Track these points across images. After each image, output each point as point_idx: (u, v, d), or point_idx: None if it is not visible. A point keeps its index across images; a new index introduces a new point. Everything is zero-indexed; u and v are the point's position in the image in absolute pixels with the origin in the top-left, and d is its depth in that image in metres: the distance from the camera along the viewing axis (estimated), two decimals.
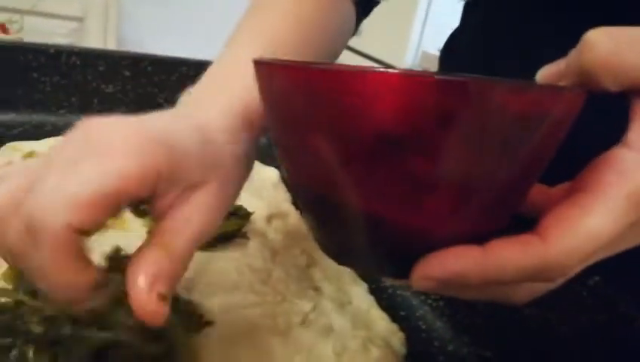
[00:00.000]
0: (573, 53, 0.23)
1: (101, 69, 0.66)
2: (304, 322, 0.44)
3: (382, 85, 0.20)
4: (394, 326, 0.45)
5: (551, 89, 0.21)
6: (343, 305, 0.47)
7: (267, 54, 0.36)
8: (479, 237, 0.22)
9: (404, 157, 0.21)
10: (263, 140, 0.77)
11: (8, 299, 0.36)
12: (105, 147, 0.24)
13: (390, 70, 0.20)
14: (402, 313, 0.48)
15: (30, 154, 0.55)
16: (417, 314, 0.48)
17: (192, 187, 0.27)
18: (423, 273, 0.22)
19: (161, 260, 0.25)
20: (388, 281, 0.52)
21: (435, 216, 0.22)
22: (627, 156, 0.22)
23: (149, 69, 0.68)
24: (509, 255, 0.21)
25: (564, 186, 0.25)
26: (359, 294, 0.49)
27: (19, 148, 0.58)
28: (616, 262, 0.34)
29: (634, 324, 0.33)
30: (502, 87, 0.20)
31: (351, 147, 0.22)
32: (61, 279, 0.23)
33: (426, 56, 1.58)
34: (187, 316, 0.41)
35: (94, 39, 1.68)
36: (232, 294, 0.45)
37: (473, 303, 0.44)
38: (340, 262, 0.28)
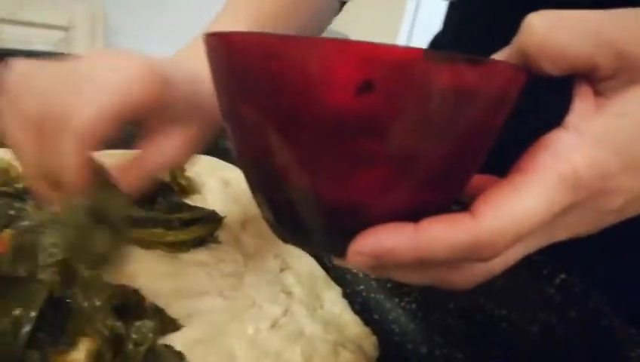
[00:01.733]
0: (515, 38, 0.23)
1: None
2: (273, 326, 0.43)
3: (315, 54, 0.19)
4: (366, 330, 0.44)
5: (485, 62, 0.21)
6: (315, 309, 0.46)
7: (253, 29, 0.40)
8: (416, 216, 0.22)
9: (339, 133, 0.20)
10: None
11: None
12: (113, 71, 0.31)
13: (322, 37, 0.20)
14: (375, 316, 0.47)
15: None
16: (390, 317, 0.47)
17: (174, 122, 0.34)
18: (357, 248, 0.22)
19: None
20: (337, 263, 0.51)
21: (370, 192, 0.21)
22: (564, 137, 0.22)
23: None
24: (440, 231, 0.21)
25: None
26: (332, 298, 0.48)
27: None
28: (582, 259, 0.33)
29: (603, 320, 0.32)
30: (432, 60, 0.19)
31: (284, 121, 0.21)
32: (73, 165, 0.30)
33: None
34: (155, 320, 0.40)
35: (81, 49, 1.67)
36: (200, 299, 0.44)
37: (446, 304, 0.43)
38: (288, 241, 0.27)
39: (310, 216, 0.24)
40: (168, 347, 0.37)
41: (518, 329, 0.37)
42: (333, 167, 0.21)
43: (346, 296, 0.49)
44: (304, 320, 0.44)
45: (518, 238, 0.21)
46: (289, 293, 0.47)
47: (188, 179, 0.62)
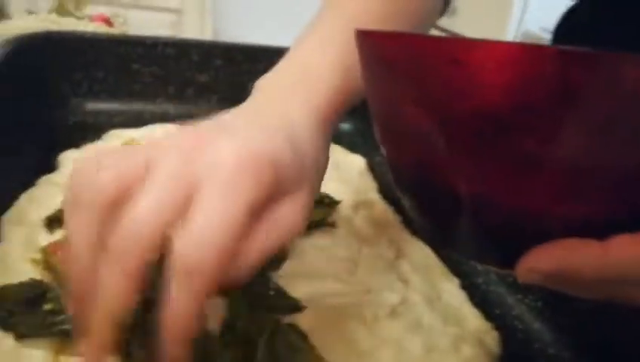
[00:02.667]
0: None
1: (195, 58, 0.68)
2: (392, 314, 0.42)
3: (495, 57, 0.18)
4: (488, 325, 0.43)
5: None
6: (432, 300, 0.45)
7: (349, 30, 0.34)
8: (593, 228, 0.20)
9: (515, 136, 0.19)
10: (349, 127, 0.76)
11: None
12: (225, 175, 0.24)
13: (505, 41, 0.19)
14: (497, 311, 0.45)
15: (129, 142, 0.57)
16: (513, 314, 0.45)
17: (282, 195, 0.28)
18: (532, 265, 0.21)
19: None
20: (480, 276, 0.49)
21: (545, 201, 0.20)
22: None
23: (240, 57, 0.70)
24: (632, 252, 0.19)
25: None
26: (450, 290, 0.47)
27: (120, 135, 0.62)
28: None
29: None
30: (635, 62, 0.17)
31: (456, 124, 0.20)
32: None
33: (528, 35, 1.47)
34: (277, 300, 0.41)
35: (191, 31, 1.76)
36: (319, 282, 0.45)
37: (576, 305, 0.40)
38: (440, 246, 0.27)
39: (474, 225, 0.23)
40: (292, 326, 0.38)
41: None
42: (506, 174, 0.20)
43: (463, 287, 0.47)
44: (422, 311, 0.43)
45: None
46: (405, 281, 0.47)
47: None
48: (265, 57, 0.71)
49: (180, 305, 0.24)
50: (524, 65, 0.18)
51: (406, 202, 0.26)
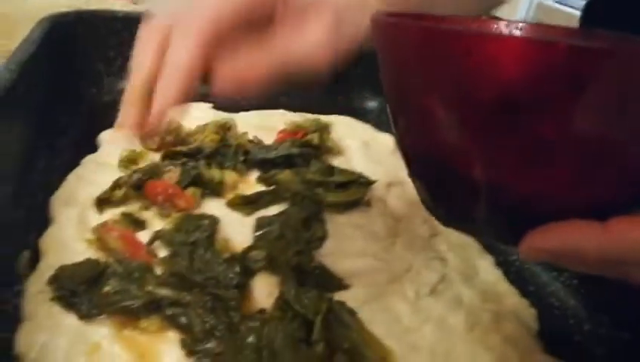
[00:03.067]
0: None
1: None
2: (433, 292, 0.44)
3: (508, 50, 0.19)
4: (525, 301, 0.45)
5: None
6: (470, 277, 0.47)
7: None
8: (600, 210, 0.21)
9: (527, 123, 0.20)
10: (376, 105, 0.76)
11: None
12: None
13: (517, 34, 0.20)
14: (531, 288, 0.47)
15: (169, 122, 0.58)
16: (548, 291, 0.46)
17: (304, 12, 0.30)
18: (535, 244, 0.22)
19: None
20: (514, 254, 0.51)
21: (557, 186, 0.21)
22: None
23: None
24: (633, 233, 0.20)
25: None
26: (485, 267, 0.48)
27: None
28: None
29: None
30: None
31: (471, 112, 0.21)
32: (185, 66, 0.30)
33: (542, 7, 1.46)
34: (322, 278, 0.43)
35: None
36: (360, 260, 0.47)
37: (613, 283, 0.42)
38: (452, 227, 0.28)
39: (487, 207, 0.24)
40: (342, 303, 0.39)
41: None
42: (519, 159, 0.21)
43: (498, 264, 0.49)
44: (461, 288, 0.45)
45: None
46: (443, 260, 0.48)
47: (332, 140, 0.64)
48: None
49: (178, 51, 0.30)
50: (536, 60, 0.19)
51: (417, 184, 0.27)
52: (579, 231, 0.21)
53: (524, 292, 0.46)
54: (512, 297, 0.45)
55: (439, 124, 0.23)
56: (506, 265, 0.49)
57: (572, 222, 0.21)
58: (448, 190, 0.25)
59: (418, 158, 0.26)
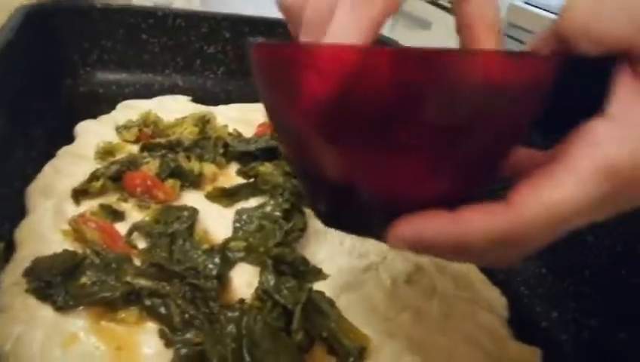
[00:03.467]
0: (556, 20, 0.23)
1: (203, 30, 0.68)
2: (408, 281, 0.45)
3: (335, 62, 0.20)
4: (496, 290, 0.46)
5: (508, 56, 0.21)
6: (442, 266, 0.48)
7: None
8: (451, 203, 0.22)
9: (364, 129, 0.21)
10: None
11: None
12: None
13: (343, 45, 0.21)
14: (501, 276, 0.48)
15: (146, 114, 0.58)
16: (518, 279, 0.48)
17: None
18: (396, 234, 0.23)
19: None
20: None
21: (405, 183, 0.22)
22: (601, 127, 0.21)
23: (247, 30, 0.70)
24: (477, 222, 0.21)
25: (549, 152, 0.24)
26: None
27: (134, 106, 0.62)
28: None
29: None
30: (456, 58, 0.20)
31: (308, 120, 0.22)
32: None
33: (513, 9, 1.49)
34: (302, 268, 0.43)
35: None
36: (337, 250, 0.47)
37: (581, 272, 0.43)
38: (328, 225, 0.28)
39: (348, 206, 0.25)
40: (321, 293, 0.40)
41: None
42: (367, 162, 0.22)
43: None
44: (435, 277, 0.46)
45: (554, 226, 0.21)
46: None
47: None
48: (271, 30, 0.72)
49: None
50: (361, 69, 0.20)
51: (300, 185, 0.28)
52: (430, 220, 0.22)
53: (495, 281, 0.47)
54: (484, 286, 0.46)
55: (290, 134, 0.24)
56: None
57: (426, 212, 0.22)
58: (316, 191, 0.26)
59: (291, 162, 0.28)
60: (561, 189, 0.21)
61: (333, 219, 0.28)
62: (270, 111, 0.25)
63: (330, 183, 0.24)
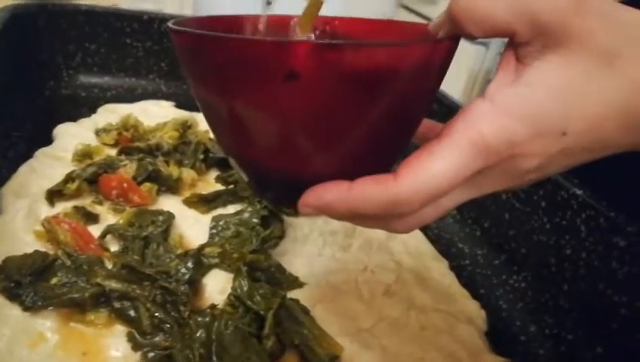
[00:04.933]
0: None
1: None
2: (387, 292, 0.45)
3: (231, 47, 0.22)
4: (476, 304, 0.45)
5: (398, 44, 0.23)
6: (424, 280, 0.47)
7: None
8: (354, 176, 0.24)
9: (275, 114, 0.23)
10: None
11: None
12: None
13: (230, 35, 0.22)
14: (482, 291, 0.48)
15: (126, 117, 0.57)
16: (497, 294, 0.48)
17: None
18: (303, 202, 0.25)
19: None
20: (467, 259, 0.52)
21: (303, 163, 0.25)
22: (478, 106, 0.23)
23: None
24: (367, 190, 0.24)
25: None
26: (440, 270, 0.49)
27: (115, 110, 0.62)
28: None
29: None
30: (333, 48, 0.21)
31: (212, 104, 0.25)
32: None
33: None
34: (277, 276, 0.43)
35: (172, 4, 1.74)
36: (317, 259, 0.47)
37: (559, 286, 0.43)
38: (258, 197, 0.32)
39: (262, 182, 0.28)
40: (295, 301, 0.39)
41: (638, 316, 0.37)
42: (268, 144, 0.25)
43: (451, 268, 0.50)
44: (415, 289, 0.46)
45: (433, 197, 0.23)
46: (397, 262, 0.49)
47: None
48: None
49: None
50: (251, 55, 0.21)
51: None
52: (330, 189, 0.24)
53: (475, 295, 0.47)
54: (463, 299, 0.46)
55: (213, 112, 0.26)
56: (458, 269, 0.50)
57: (329, 182, 0.25)
58: (243, 171, 0.28)
59: (217, 137, 0.29)
60: (439, 162, 0.23)
61: (258, 194, 0.30)
62: (195, 88, 0.27)
63: (245, 164, 0.27)
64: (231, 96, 0.24)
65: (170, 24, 0.25)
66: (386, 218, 0.25)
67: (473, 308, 0.45)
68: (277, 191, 0.28)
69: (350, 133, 0.24)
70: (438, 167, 0.23)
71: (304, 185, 0.25)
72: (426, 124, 0.29)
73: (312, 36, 0.34)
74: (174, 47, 0.25)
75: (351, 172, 0.24)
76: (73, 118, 0.60)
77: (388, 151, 0.27)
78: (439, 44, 0.24)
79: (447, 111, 0.56)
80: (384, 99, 0.23)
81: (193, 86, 0.26)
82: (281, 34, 0.32)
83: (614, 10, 0.22)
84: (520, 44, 0.23)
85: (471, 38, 0.24)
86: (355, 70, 0.22)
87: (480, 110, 0.23)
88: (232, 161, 0.29)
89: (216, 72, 0.23)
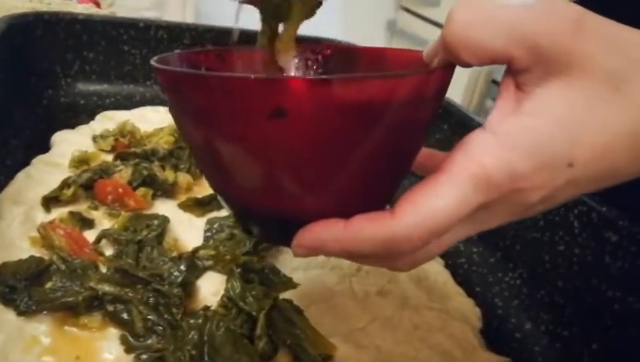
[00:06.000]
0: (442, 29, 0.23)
1: (186, 42, 0.69)
2: (380, 292, 0.45)
3: (231, 89, 0.21)
4: (470, 301, 0.45)
5: (390, 76, 0.22)
6: (419, 279, 0.47)
7: None
8: (349, 214, 0.23)
9: (262, 154, 0.22)
10: None
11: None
12: None
13: (211, 73, 0.23)
14: (477, 289, 0.48)
15: (123, 124, 0.58)
16: (493, 291, 0.47)
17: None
18: (297, 243, 0.24)
19: None
20: (462, 257, 0.52)
21: (293, 201, 0.24)
22: (479, 138, 0.22)
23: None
24: (364, 229, 0.23)
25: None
26: (435, 269, 0.49)
27: (112, 117, 0.62)
28: None
29: None
30: (321, 83, 0.21)
31: (196, 141, 0.24)
32: None
33: None
34: (271, 277, 0.43)
35: (174, 12, 1.74)
36: (309, 261, 0.47)
37: (554, 283, 0.43)
38: (244, 232, 0.31)
39: (250, 218, 0.27)
40: (288, 301, 0.40)
41: (634, 312, 0.37)
42: (257, 187, 0.24)
43: (447, 267, 0.50)
44: (409, 288, 0.46)
45: (433, 234, 0.22)
46: None
47: None
48: (253, 42, 0.72)
49: None
50: (235, 95, 0.21)
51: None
52: (324, 228, 0.23)
53: (471, 293, 0.47)
54: (458, 297, 0.46)
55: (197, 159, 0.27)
56: (454, 267, 0.50)
57: (322, 221, 0.24)
58: (232, 207, 0.28)
59: (207, 177, 0.28)
60: (437, 198, 0.21)
61: (248, 231, 0.29)
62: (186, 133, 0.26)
63: (235, 206, 0.27)
64: (215, 134, 0.23)
65: (152, 61, 0.25)
66: (386, 257, 0.24)
67: (468, 306, 0.45)
68: (265, 228, 0.27)
69: (341, 170, 0.23)
70: (437, 204, 0.21)
71: (294, 223, 0.24)
72: (425, 153, 0.28)
73: (296, 61, 0.33)
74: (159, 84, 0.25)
75: (345, 209, 0.23)
76: (72, 125, 0.61)
77: (384, 186, 0.26)
78: (433, 75, 0.23)
79: (450, 116, 0.56)
80: (376, 133, 0.22)
81: (178, 121, 0.26)
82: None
83: (615, 32, 0.21)
84: (519, 71, 0.22)
85: (466, 66, 0.23)
86: (346, 105, 0.21)
87: (481, 142, 0.22)
88: (219, 197, 0.28)
89: (199, 109, 0.22)
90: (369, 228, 0.23)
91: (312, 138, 0.21)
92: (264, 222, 0.26)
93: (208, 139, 0.23)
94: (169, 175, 0.52)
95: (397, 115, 0.22)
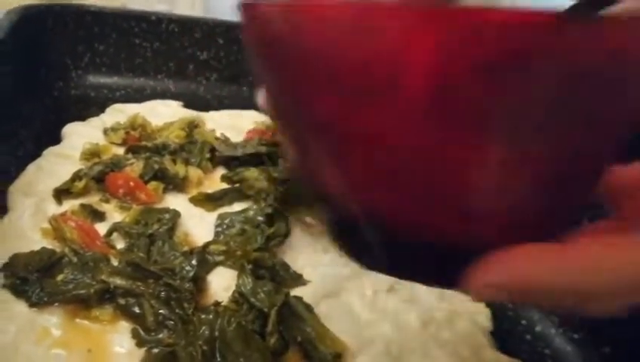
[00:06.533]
0: None
1: (197, 36, 0.69)
2: (390, 290, 0.45)
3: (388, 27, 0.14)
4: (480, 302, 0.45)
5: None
6: None
7: None
8: (541, 234, 0.17)
9: (430, 135, 0.15)
10: None
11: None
12: None
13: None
14: None
15: (134, 117, 0.58)
16: None
17: None
18: (486, 279, 0.17)
19: None
20: None
21: (476, 207, 0.17)
22: None
23: (241, 36, 0.70)
24: (600, 254, 0.16)
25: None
26: None
27: (123, 109, 0.62)
28: None
29: None
30: (572, 26, 0.13)
31: (310, 123, 0.16)
32: None
33: None
34: (281, 273, 0.43)
35: (183, 5, 1.75)
36: (322, 257, 0.47)
37: None
38: (351, 258, 0.23)
39: (384, 245, 0.19)
40: (299, 298, 0.39)
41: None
42: (430, 193, 0.16)
43: None
44: (419, 287, 0.46)
45: None
46: None
47: None
48: None
49: None
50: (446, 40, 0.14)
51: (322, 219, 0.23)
52: (534, 255, 0.17)
53: None
54: (468, 297, 0.45)
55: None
56: None
57: (520, 246, 0.17)
58: (343, 218, 0.20)
59: (322, 196, 0.20)
60: None
61: (376, 262, 0.21)
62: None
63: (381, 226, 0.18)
64: (354, 109, 0.15)
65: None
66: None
67: (478, 307, 0.45)
68: (398, 255, 0.20)
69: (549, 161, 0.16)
70: None
71: (462, 254, 0.17)
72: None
73: None
74: (246, 38, 0.18)
75: (536, 223, 0.17)
76: (82, 117, 0.61)
77: (580, 195, 0.18)
78: None
79: None
80: (595, 104, 0.15)
81: (272, 93, 0.18)
82: None
83: None
84: None
85: None
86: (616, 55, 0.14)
87: None
88: (319, 206, 0.21)
89: (324, 66, 0.15)
90: (607, 252, 0.16)
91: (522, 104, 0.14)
92: (403, 247, 0.19)
93: (338, 118, 0.16)
94: (180, 169, 0.51)
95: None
